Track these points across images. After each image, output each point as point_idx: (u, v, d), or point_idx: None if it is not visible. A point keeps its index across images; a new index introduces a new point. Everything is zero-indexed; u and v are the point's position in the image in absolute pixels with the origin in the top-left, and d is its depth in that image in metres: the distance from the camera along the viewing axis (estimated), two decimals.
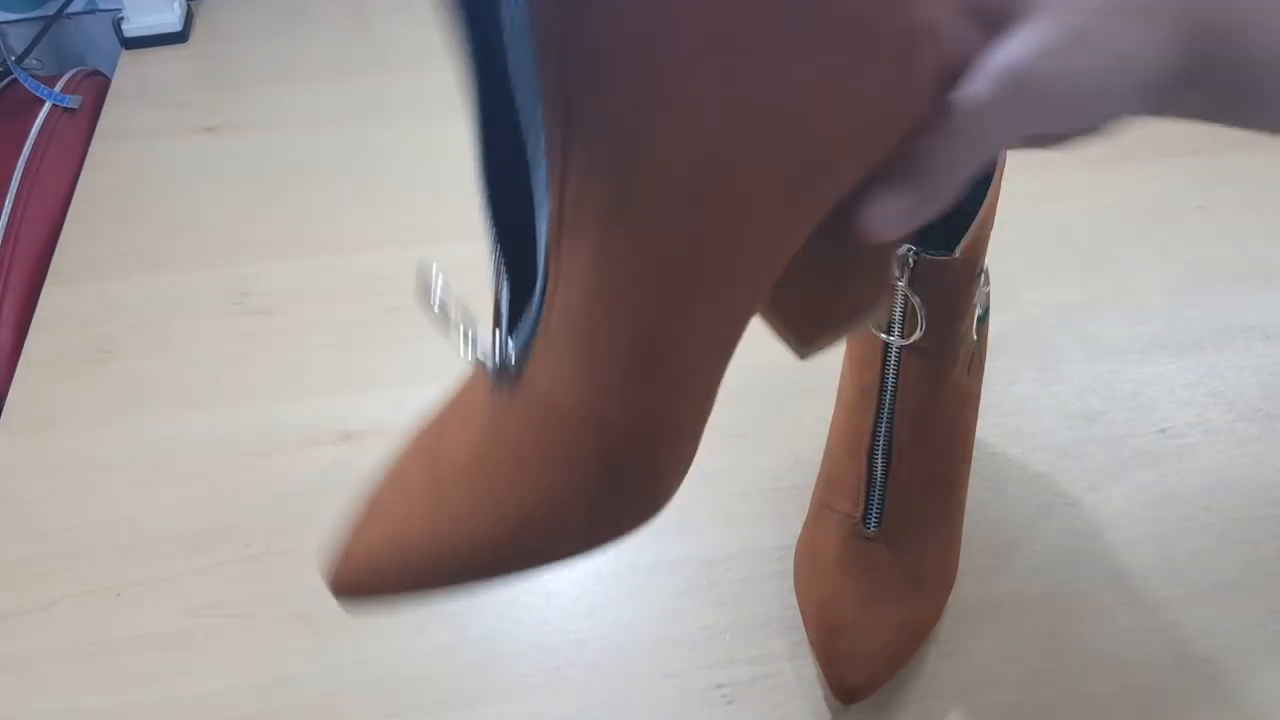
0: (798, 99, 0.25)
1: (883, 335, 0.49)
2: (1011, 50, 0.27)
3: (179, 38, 1.00)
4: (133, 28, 0.99)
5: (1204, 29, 0.27)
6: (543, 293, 0.23)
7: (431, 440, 0.28)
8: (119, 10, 0.99)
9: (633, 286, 0.24)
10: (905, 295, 0.47)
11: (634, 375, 0.25)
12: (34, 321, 0.74)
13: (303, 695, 0.54)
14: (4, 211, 0.80)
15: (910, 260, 0.46)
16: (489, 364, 0.24)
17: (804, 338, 0.34)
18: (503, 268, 0.24)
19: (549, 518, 0.25)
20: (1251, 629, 0.54)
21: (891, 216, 0.28)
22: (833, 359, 0.57)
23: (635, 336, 0.24)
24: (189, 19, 1.01)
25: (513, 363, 0.24)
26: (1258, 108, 0.29)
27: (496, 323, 0.25)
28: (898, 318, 0.48)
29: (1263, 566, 0.57)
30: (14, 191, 0.82)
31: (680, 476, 0.28)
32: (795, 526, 0.57)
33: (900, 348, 0.49)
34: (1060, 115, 0.28)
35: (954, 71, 0.27)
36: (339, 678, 0.54)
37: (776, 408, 0.65)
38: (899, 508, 0.52)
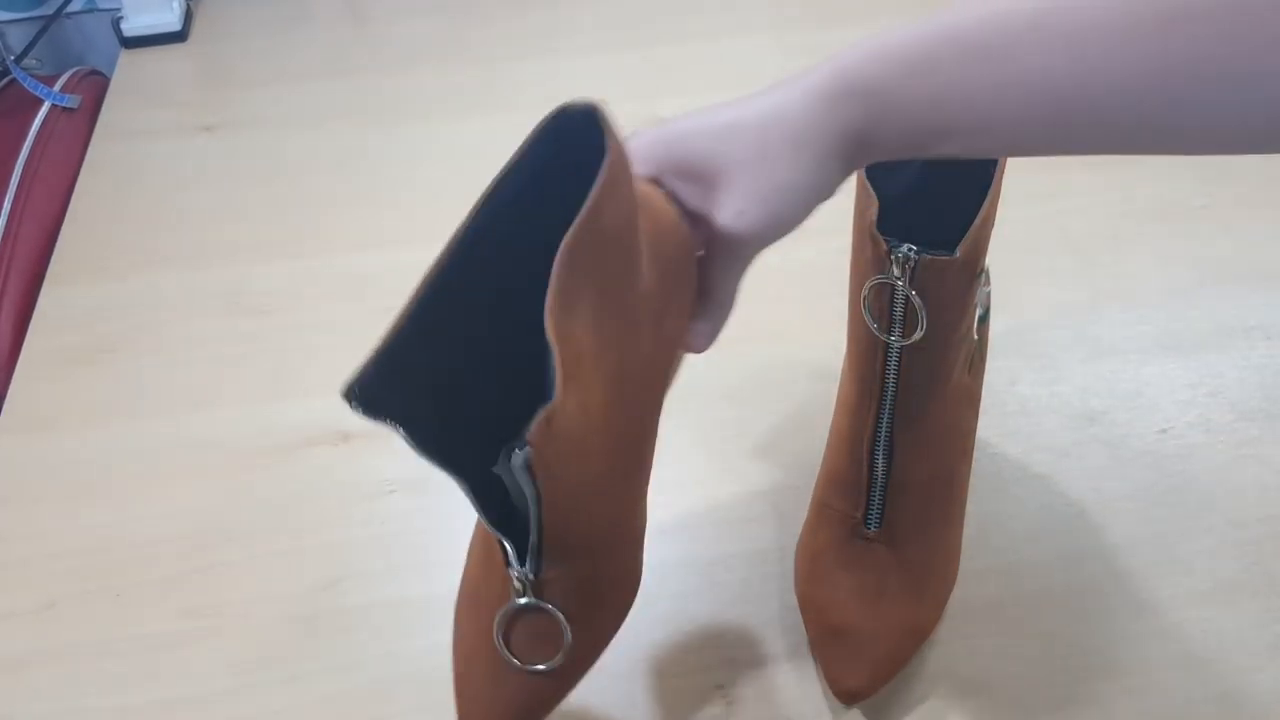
0: (662, 361, 0.41)
1: (883, 335, 0.48)
2: (718, 223, 0.39)
3: (178, 37, 1.00)
4: (132, 27, 0.99)
5: (851, 134, 0.37)
6: (538, 548, 0.40)
7: (486, 634, 0.44)
8: (118, 10, 0.99)
9: (590, 532, 0.41)
10: (905, 295, 0.46)
11: (603, 553, 0.43)
12: (33, 321, 0.74)
13: (303, 695, 0.54)
14: (3, 211, 0.80)
15: (910, 260, 0.45)
16: (521, 586, 0.41)
17: None
18: (506, 540, 0.40)
19: (593, 652, 0.44)
20: (1251, 629, 0.54)
21: (702, 338, 0.43)
22: (833, 359, 0.57)
23: (604, 544, 0.43)
24: (188, 18, 1.01)
25: (539, 588, 0.41)
26: (931, 150, 0.37)
27: (508, 562, 0.41)
28: (898, 318, 0.48)
29: (1263, 566, 0.57)
30: (13, 191, 0.82)
31: (639, 575, 0.46)
32: (795, 526, 0.57)
33: (900, 348, 0.49)
34: (771, 239, 0.39)
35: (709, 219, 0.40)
36: (339, 678, 0.54)
37: (776, 408, 0.65)
38: (899, 508, 0.52)
